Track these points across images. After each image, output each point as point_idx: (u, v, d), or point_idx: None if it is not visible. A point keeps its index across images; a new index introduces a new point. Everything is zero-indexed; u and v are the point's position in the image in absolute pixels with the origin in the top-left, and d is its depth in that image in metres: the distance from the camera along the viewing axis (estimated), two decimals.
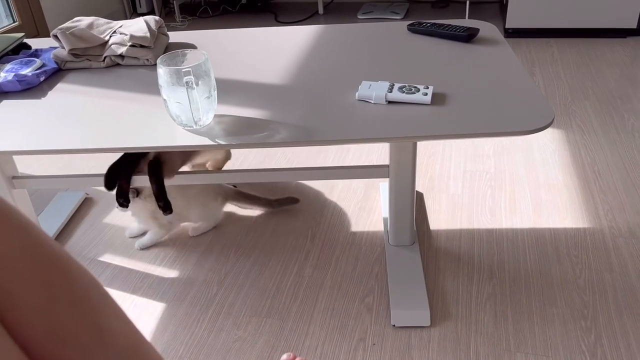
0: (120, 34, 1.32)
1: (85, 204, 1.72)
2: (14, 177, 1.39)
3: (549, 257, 1.38)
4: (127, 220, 1.62)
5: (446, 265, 1.37)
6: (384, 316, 1.24)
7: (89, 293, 0.43)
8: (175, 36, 1.45)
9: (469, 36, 1.30)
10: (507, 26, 2.83)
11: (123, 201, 1.36)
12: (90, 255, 1.49)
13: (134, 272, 1.42)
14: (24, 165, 1.94)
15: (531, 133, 0.93)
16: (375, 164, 1.81)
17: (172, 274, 1.41)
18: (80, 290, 0.43)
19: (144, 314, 1.29)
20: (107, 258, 1.48)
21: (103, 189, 1.80)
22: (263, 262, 1.42)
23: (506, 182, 1.69)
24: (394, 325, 1.21)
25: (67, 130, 1.03)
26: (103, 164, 1.91)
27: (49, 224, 1.60)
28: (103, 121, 1.06)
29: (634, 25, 2.70)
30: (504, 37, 1.37)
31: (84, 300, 0.43)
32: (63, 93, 1.19)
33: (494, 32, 1.36)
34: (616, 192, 1.60)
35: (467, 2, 3.09)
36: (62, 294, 0.41)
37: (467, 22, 1.39)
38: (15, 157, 1.58)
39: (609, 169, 1.71)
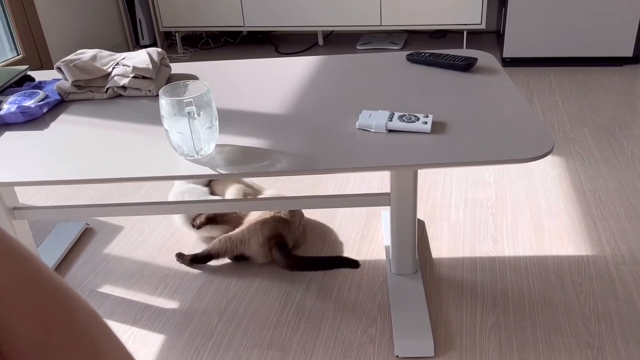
0: (123, 65, 1.34)
1: (86, 234, 1.71)
2: (14, 208, 1.39)
3: (552, 285, 1.37)
4: (126, 251, 1.61)
5: (449, 294, 1.36)
6: (387, 347, 1.22)
7: (88, 326, 0.43)
8: (177, 67, 1.47)
9: (467, 65, 1.31)
10: (504, 55, 2.87)
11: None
12: (90, 287, 1.48)
13: (134, 303, 1.41)
14: (25, 197, 1.95)
15: (531, 160, 0.93)
16: (376, 192, 1.81)
17: (172, 304, 1.39)
18: (79, 323, 0.42)
19: (144, 346, 1.27)
20: (107, 289, 1.47)
21: (103, 219, 1.80)
22: (264, 292, 1.41)
23: (507, 209, 1.68)
24: (397, 356, 1.19)
25: (69, 161, 1.04)
26: (104, 194, 1.91)
27: (49, 254, 1.59)
28: (105, 152, 1.06)
29: (629, 54, 2.74)
30: (502, 66, 1.39)
31: (84, 333, 0.42)
32: (65, 124, 1.20)
33: (492, 62, 1.38)
34: (618, 219, 1.60)
35: (465, 33, 3.14)
36: (62, 327, 0.41)
37: (465, 51, 1.41)
38: (16, 188, 1.58)
39: (610, 195, 1.71)
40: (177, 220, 1.61)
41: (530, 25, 2.76)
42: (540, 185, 1.80)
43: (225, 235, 1.48)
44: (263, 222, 1.45)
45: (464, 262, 1.47)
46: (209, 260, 1.50)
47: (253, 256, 1.46)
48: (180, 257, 1.53)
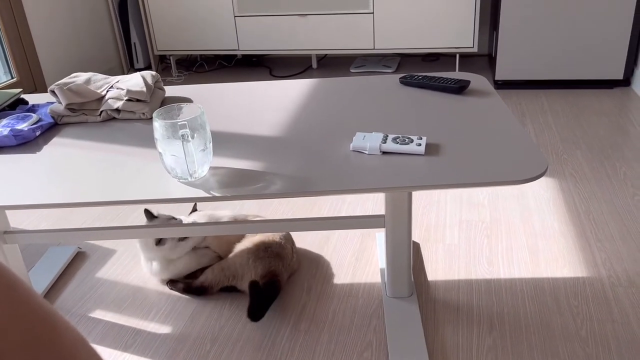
0: (117, 88, 1.34)
1: (78, 258, 1.69)
2: (5, 232, 1.38)
3: (549, 307, 1.36)
4: (119, 275, 1.59)
5: (445, 317, 1.35)
6: None
7: (76, 353, 0.42)
8: (171, 90, 1.47)
9: (460, 88, 1.32)
10: (496, 78, 2.90)
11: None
12: (81, 311, 1.46)
13: (126, 328, 1.38)
14: (16, 220, 1.93)
15: (525, 182, 0.93)
16: (370, 213, 1.81)
17: (165, 329, 1.37)
18: (67, 351, 0.41)
19: None
20: (99, 314, 1.44)
21: (96, 242, 1.78)
22: None
23: (502, 231, 1.68)
24: None
25: (61, 185, 1.03)
26: (96, 218, 1.90)
27: (40, 279, 1.57)
28: (98, 175, 1.06)
29: (620, 77, 2.77)
30: (494, 88, 1.40)
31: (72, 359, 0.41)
32: (58, 147, 1.19)
33: (485, 84, 1.39)
34: (613, 240, 1.60)
35: (457, 56, 3.17)
36: (49, 355, 0.40)
37: (457, 74, 1.42)
38: (7, 212, 1.57)
39: (604, 217, 1.71)
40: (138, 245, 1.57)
41: (522, 49, 2.80)
42: (534, 206, 1.80)
43: (219, 265, 1.45)
44: (256, 258, 1.42)
45: (460, 285, 1.46)
46: (203, 292, 1.47)
47: (245, 292, 1.44)
48: (172, 283, 1.51)
